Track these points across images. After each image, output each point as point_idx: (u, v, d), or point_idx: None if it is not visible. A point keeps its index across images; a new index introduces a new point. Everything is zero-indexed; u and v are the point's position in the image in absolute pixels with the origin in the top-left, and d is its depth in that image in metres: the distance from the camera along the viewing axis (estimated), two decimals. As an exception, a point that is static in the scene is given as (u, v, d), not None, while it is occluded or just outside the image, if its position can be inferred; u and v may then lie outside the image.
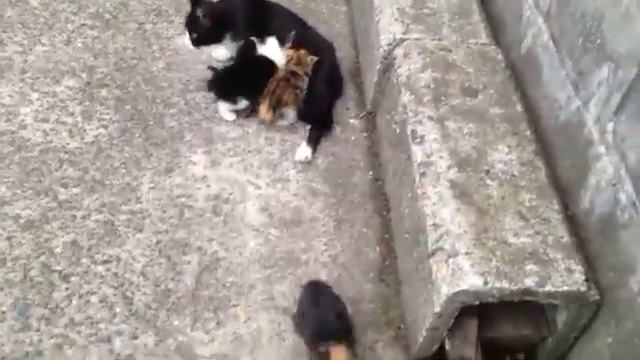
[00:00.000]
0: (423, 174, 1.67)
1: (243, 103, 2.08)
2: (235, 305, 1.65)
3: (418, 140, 1.75)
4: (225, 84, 2.09)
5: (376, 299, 1.70)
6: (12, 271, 1.65)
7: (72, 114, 2.06)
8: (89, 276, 1.66)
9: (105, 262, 1.70)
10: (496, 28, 2.17)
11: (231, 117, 2.11)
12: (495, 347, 1.53)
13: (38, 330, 1.55)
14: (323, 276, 1.72)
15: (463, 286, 1.43)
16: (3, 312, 1.57)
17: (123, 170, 1.93)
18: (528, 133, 1.77)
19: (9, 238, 1.72)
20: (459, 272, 1.44)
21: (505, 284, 1.42)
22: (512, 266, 1.45)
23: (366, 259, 1.79)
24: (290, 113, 2.10)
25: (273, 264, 1.74)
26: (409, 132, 1.78)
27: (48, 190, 1.84)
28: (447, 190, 1.61)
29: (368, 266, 1.77)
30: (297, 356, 1.56)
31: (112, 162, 1.95)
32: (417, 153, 1.72)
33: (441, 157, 1.69)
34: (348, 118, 2.19)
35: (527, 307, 1.51)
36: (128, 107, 2.12)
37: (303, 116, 2.12)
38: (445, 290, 1.44)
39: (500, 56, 2.02)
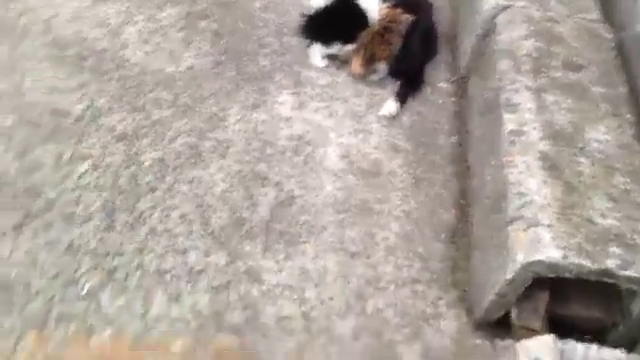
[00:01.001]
0: (512, 142, 1.63)
1: (336, 47, 2.08)
2: (305, 242, 1.69)
3: (511, 108, 1.71)
4: (318, 26, 2.11)
5: (445, 259, 1.69)
6: (103, 176, 1.75)
7: (172, 40, 2.14)
8: (172, 193, 1.74)
9: (188, 182, 1.77)
10: (608, 6, 2.07)
11: (322, 64, 2.13)
12: (563, 324, 1.50)
13: (121, 233, 1.64)
14: (395, 228, 1.73)
15: (540, 256, 1.40)
16: (91, 212, 1.67)
17: (213, 100, 1.99)
18: (629, 116, 1.69)
19: (103, 146, 1.81)
20: (538, 242, 1.42)
21: (585, 261, 1.39)
22: (594, 245, 1.41)
23: (439, 220, 1.78)
24: (382, 68, 2.09)
25: (347, 209, 1.76)
26: (503, 99, 1.74)
27: (142, 108, 1.93)
28: (536, 161, 1.57)
29: (440, 227, 1.76)
30: (359, 299, 1.59)
31: (203, 91, 2.01)
32: (509, 121, 1.68)
33: (534, 128, 1.65)
34: (439, 81, 2.16)
35: (602, 290, 1.48)
36: (224, 41, 2.17)
37: (394, 72, 2.10)
38: (520, 258, 1.42)
39: (609, 34, 1.93)
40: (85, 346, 1.47)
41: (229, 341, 1.50)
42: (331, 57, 2.14)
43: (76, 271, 1.57)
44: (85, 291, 1.55)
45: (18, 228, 1.62)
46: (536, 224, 1.45)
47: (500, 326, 1.54)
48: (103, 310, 1.52)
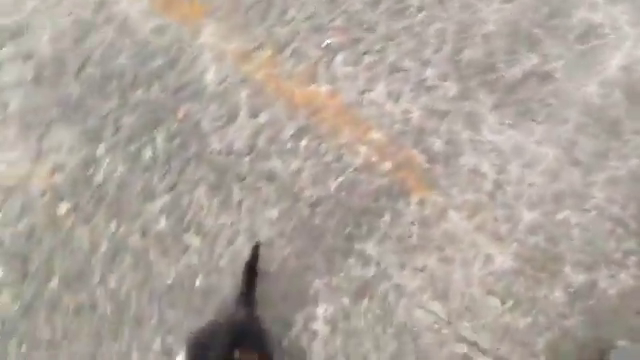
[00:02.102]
0: None
1: None
2: (538, 122, 1.57)
3: None
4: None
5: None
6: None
7: None
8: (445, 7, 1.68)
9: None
10: None
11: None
12: None
13: (380, 14, 1.64)
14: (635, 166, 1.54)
15: None
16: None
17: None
18: None
19: None
20: None
21: None
22: None
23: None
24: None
25: (598, 119, 1.59)
26: None
27: None
28: None
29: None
30: (556, 201, 1.47)
31: None
32: None
33: None
34: None
35: None
36: None
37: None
38: None
39: None
40: (300, 88, 1.56)
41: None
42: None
43: (329, 22, 1.63)
44: (325, 44, 1.61)
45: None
46: None
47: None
48: (331, 68, 1.58)
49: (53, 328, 1.30)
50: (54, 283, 1.33)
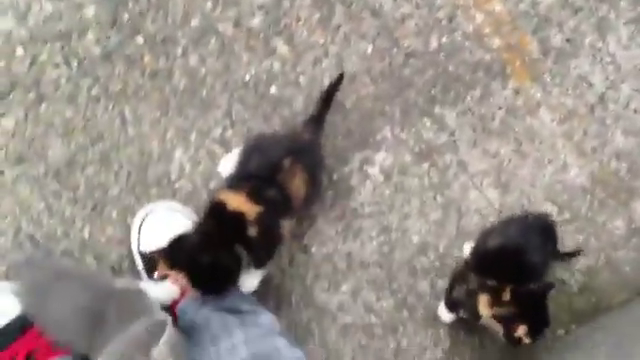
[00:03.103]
0: None
1: None
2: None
3: None
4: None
5: None
6: None
7: None
8: None
9: None
10: None
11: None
12: None
13: None
14: None
15: None
16: None
17: None
18: None
19: None
20: None
21: None
22: None
23: None
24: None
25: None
26: None
27: None
28: None
29: None
30: (581, 155, 1.39)
31: None
32: None
33: None
34: None
35: None
36: None
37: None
38: None
39: None
40: None
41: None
42: None
43: None
44: None
45: None
46: None
47: None
48: None
49: (125, 83, 1.31)
50: (140, 40, 1.32)
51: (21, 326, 1.14)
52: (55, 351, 1.13)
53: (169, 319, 1.00)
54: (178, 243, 1.08)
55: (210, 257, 1.07)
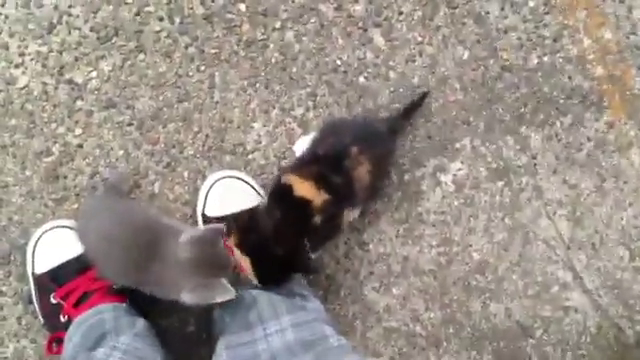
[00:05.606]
0: None
1: None
2: None
3: None
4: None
5: None
6: None
7: None
8: None
9: None
10: None
11: None
12: None
13: None
14: None
15: None
16: None
17: None
18: None
19: None
20: None
21: None
22: None
23: None
24: None
25: None
26: None
27: None
28: None
29: None
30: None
31: None
32: None
33: None
34: None
35: None
36: None
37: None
38: None
39: None
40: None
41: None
42: None
43: None
44: None
45: None
46: None
47: None
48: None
49: (221, 47, 1.32)
50: (242, 7, 1.32)
51: (80, 267, 1.17)
52: (110, 295, 1.16)
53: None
54: (251, 222, 1.09)
55: (280, 254, 1.08)
